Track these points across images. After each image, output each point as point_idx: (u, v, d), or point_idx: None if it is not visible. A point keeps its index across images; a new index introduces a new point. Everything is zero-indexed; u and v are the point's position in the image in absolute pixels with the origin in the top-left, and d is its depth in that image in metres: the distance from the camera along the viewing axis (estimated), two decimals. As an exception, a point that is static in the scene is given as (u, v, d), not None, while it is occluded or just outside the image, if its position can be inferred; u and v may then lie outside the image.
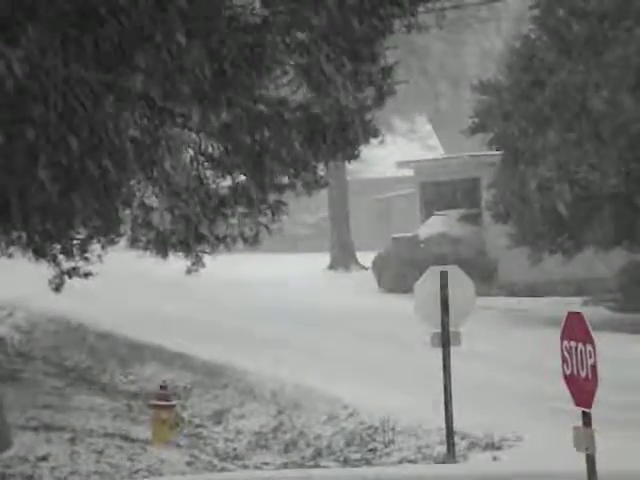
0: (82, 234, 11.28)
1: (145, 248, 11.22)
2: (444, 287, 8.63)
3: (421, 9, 9.79)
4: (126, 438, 9.72)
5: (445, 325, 8.65)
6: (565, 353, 5.69)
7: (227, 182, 10.26)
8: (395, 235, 25.77)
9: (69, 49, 6.87)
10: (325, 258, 30.35)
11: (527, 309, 20.13)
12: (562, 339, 5.71)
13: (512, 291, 22.00)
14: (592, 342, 5.50)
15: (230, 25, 7.64)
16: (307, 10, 8.06)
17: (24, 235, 11.41)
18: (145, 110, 7.69)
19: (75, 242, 11.47)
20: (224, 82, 7.70)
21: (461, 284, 8.78)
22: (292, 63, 8.97)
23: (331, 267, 30.09)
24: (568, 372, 5.70)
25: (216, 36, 7.49)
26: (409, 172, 29.89)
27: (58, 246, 11.58)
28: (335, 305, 20.74)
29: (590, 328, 5.54)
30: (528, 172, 16.68)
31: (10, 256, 12.59)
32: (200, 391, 12.91)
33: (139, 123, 7.76)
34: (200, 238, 10.87)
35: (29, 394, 11.93)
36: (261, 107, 8.70)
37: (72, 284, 12.61)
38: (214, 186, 10.24)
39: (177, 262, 11.74)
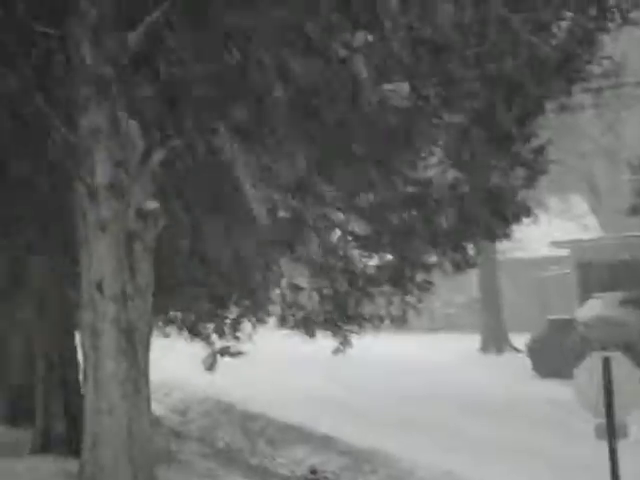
0: (234, 313, 11.53)
1: (294, 327, 11.32)
2: (608, 374, 8.19)
3: (576, 88, 9.59)
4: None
5: (610, 415, 8.16)
6: None
7: (374, 261, 10.25)
8: (551, 317, 24.94)
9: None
10: (475, 339, 29.69)
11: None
12: None
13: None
14: None
15: (380, 108, 7.71)
16: (458, 93, 8.05)
17: (180, 315, 11.81)
18: (294, 191, 7.82)
19: (227, 321, 11.72)
20: (373, 164, 7.75)
21: (626, 371, 8.31)
22: (441, 144, 8.95)
23: (482, 349, 29.38)
24: None
25: (365, 118, 7.58)
26: (564, 252, 29.05)
27: (211, 325, 11.87)
28: (489, 389, 20.13)
29: None
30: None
31: (167, 336, 13.00)
32: (350, 476, 12.70)
33: (289, 204, 7.90)
34: (347, 317, 10.87)
35: (184, 475, 12.06)
36: (409, 187, 8.69)
37: (224, 363, 12.80)
38: (361, 265, 10.25)
39: (325, 341, 11.73)
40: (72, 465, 8.96)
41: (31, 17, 6.31)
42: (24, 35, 6.36)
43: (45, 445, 12.33)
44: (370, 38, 6.77)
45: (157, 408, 18.15)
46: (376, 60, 6.97)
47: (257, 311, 11.00)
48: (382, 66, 7.23)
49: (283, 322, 11.25)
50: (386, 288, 10.41)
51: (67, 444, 11.81)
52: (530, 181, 9.88)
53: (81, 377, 11.75)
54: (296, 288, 10.74)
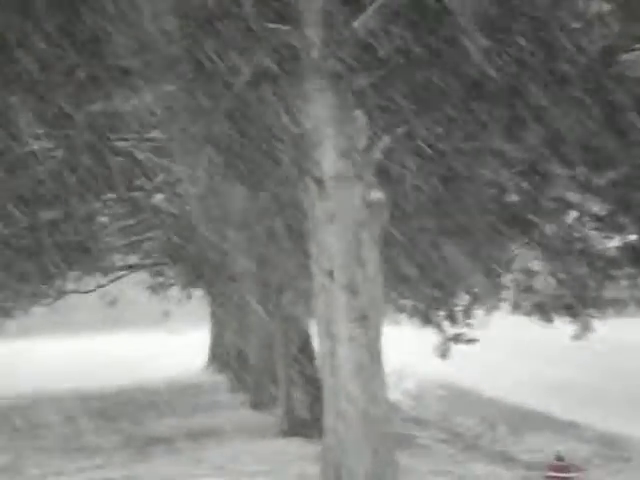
0: (465, 301, 11.37)
1: (528, 313, 11.00)
2: None
3: None
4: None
5: None
6: None
7: (615, 242, 9.71)
8: None
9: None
10: None
11: None
12: None
13: None
14: None
15: (618, 79, 7.23)
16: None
17: (411, 303, 11.80)
18: (525, 174, 7.51)
19: (458, 308, 11.57)
20: (610, 141, 7.28)
21: None
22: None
23: None
24: None
25: (602, 90, 7.12)
26: None
27: (442, 313, 11.76)
28: None
29: None
30: None
31: (398, 323, 13.06)
32: (600, 463, 12.10)
33: (519, 187, 7.60)
34: (587, 302, 10.39)
35: (425, 460, 12.02)
36: (652, 162, 8.09)
37: (456, 349, 12.63)
38: (601, 247, 9.74)
39: (562, 326, 11.27)
40: (316, 447, 9.17)
41: (259, 14, 6.43)
42: (251, 30, 6.48)
43: (289, 428, 12.79)
44: (605, 7, 6.33)
45: (391, 394, 18.29)
46: (615, 28, 6.50)
47: (488, 298, 10.78)
48: (620, 35, 6.74)
49: (517, 308, 10.96)
50: (629, 270, 9.83)
51: (310, 427, 12.17)
52: None
53: (318, 363, 12.08)
54: (530, 273, 10.41)
